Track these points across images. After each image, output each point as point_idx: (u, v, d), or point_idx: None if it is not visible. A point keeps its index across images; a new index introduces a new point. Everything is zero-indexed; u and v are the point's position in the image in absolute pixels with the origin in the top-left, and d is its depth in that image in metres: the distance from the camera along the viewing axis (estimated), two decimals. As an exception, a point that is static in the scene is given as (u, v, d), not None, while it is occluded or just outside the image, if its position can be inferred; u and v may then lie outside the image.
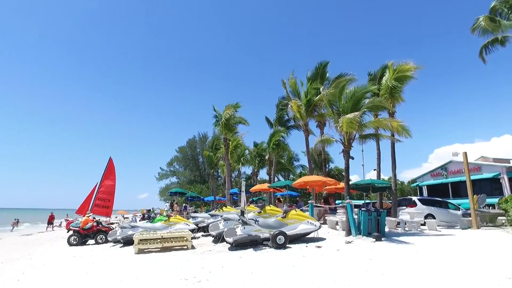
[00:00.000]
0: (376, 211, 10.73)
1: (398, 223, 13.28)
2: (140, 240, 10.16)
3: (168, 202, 35.77)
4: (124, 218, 24.44)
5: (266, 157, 27.76)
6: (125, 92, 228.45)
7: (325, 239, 10.60)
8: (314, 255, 8.02)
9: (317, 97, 18.41)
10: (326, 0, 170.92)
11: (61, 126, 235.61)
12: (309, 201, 15.20)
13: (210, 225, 12.34)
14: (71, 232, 14.15)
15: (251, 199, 25.59)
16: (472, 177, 16.35)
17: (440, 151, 72.55)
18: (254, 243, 9.71)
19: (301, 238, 10.29)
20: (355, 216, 11.04)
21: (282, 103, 25.07)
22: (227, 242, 9.81)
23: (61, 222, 32.57)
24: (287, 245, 9.28)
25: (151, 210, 25.31)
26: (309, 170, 20.64)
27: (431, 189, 24.63)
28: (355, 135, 11.92)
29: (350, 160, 11.88)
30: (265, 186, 22.34)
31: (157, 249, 10.24)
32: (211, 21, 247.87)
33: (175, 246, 10.35)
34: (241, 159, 28.99)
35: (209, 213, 16.26)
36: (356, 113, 10.88)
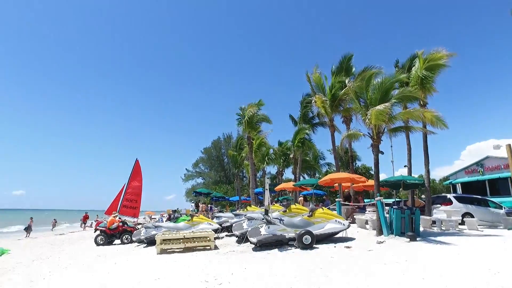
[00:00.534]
0: (410, 209, 9.99)
1: (433, 222, 12.37)
2: (163, 240, 9.99)
3: (193, 203, 35.99)
4: (151, 218, 24.75)
5: (291, 156, 27.22)
6: (151, 95, 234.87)
7: (354, 239, 9.97)
8: (344, 256, 7.45)
9: (343, 91, 17.65)
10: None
11: (91, 129, 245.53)
12: (336, 199, 14.53)
13: (233, 224, 12.03)
14: (98, 232, 14.38)
15: (276, 199, 25.14)
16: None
17: (473, 147, 68.48)
18: (279, 243, 9.25)
19: (329, 238, 9.71)
20: (386, 215, 10.33)
21: (306, 100, 24.45)
22: (251, 242, 9.40)
23: (91, 223, 33.64)
24: (314, 245, 8.74)
25: (177, 210, 25.47)
26: (336, 167, 19.85)
27: (465, 187, 23.00)
28: (384, 128, 11.19)
29: (380, 155, 11.18)
30: (290, 184, 21.83)
31: (180, 249, 10.03)
32: (232, 22, 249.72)
33: (198, 246, 10.09)
34: (266, 158, 28.56)
35: (233, 212, 15.99)
36: (386, 104, 10.18)
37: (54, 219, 32.90)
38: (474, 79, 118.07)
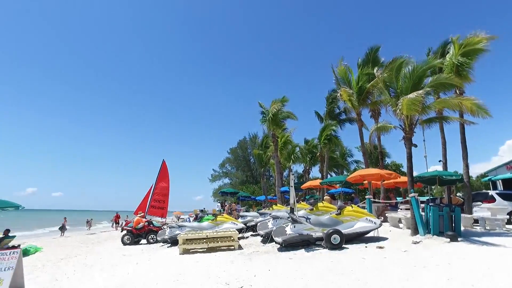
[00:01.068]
0: (448, 206, 9.14)
1: (476, 221, 11.34)
2: (185, 240, 9.77)
3: (219, 202, 36.01)
4: (179, 218, 24.94)
5: (318, 154, 26.47)
6: (178, 99, 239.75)
7: (387, 238, 9.25)
8: (376, 257, 6.83)
9: (370, 83, 16.77)
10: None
11: (123, 127, 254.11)
12: (366, 196, 13.77)
13: (258, 224, 11.62)
14: (124, 232, 14.52)
15: (302, 198, 24.49)
16: None
17: (514, 142, 63.86)
18: (305, 243, 8.75)
19: (359, 238, 9.07)
20: (422, 213, 9.53)
21: (332, 96, 23.73)
22: (276, 242, 8.96)
23: (122, 223, 34.56)
24: (343, 246, 8.16)
25: (203, 210, 25.51)
26: (365, 164, 18.91)
27: (507, 183, 21.27)
28: (417, 119, 10.36)
29: (412, 149, 10.36)
30: (316, 182, 21.14)
31: (203, 250, 9.77)
32: (256, 22, 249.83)
33: (222, 246, 9.77)
34: (292, 156, 27.94)
35: (259, 211, 15.61)
36: (420, 91, 9.38)
37: (89, 219, 33.87)
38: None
